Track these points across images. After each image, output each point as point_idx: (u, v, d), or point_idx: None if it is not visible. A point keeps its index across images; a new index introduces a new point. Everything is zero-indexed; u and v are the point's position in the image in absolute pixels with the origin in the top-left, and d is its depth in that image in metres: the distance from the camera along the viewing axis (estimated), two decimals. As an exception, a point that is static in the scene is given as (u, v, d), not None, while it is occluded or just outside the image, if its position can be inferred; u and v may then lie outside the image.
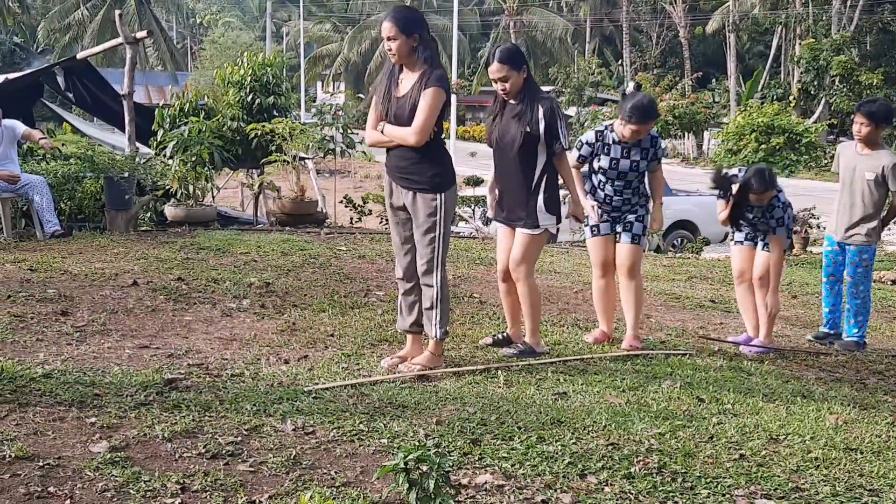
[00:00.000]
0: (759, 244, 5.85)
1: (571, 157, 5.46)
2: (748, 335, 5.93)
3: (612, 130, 5.46)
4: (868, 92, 30.81)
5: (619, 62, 46.44)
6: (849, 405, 4.62)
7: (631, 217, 5.53)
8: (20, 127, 8.57)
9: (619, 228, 5.56)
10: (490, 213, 5.38)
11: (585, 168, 5.59)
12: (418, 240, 4.57)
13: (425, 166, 4.51)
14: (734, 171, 5.79)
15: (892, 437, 4.10)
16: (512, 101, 4.96)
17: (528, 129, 4.87)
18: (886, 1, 37.20)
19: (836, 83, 31.22)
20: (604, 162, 5.44)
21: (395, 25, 4.37)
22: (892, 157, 6.05)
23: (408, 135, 4.41)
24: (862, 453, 3.82)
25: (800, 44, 34.84)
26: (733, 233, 6.01)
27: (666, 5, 43.26)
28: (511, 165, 5.00)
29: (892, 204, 6.21)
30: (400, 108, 4.46)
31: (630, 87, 5.71)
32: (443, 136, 4.67)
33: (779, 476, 3.45)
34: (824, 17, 36.24)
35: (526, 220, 4.98)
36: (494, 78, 4.94)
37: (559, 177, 5.05)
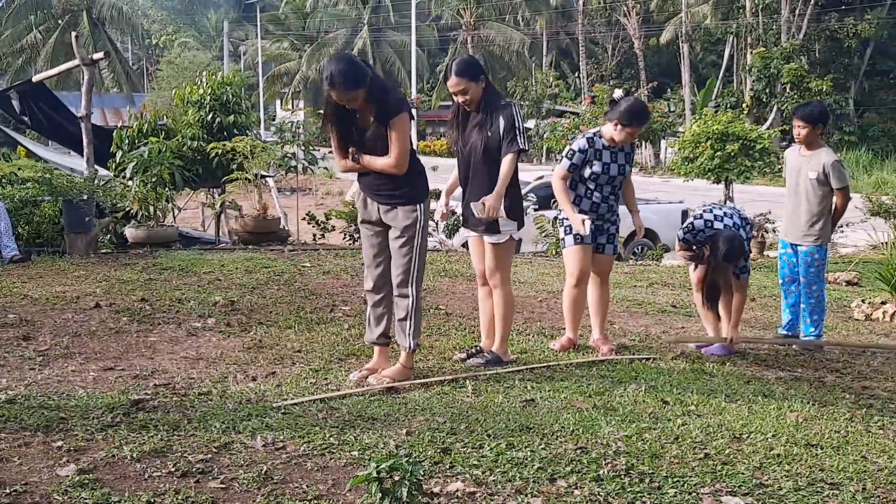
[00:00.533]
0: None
1: (561, 166, 5.53)
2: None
3: (600, 136, 5.53)
4: (818, 98, 31.50)
5: (577, 74, 46.93)
6: (808, 403, 4.72)
7: (613, 228, 5.67)
8: None
9: (602, 240, 5.65)
10: (437, 217, 5.50)
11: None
12: (395, 251, 4.60)
13: (401, 181, 4.55)
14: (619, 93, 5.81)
15: (851, 433, 4.21)
16: (473, 110, 5.02)
17: (489, 135, 4.93)
18: (833, 9, 38.08)
19: (788, 90, 31.89)
20: (596, 168, 5.48)
21: (344, 85, 4.32)
22: (832, 155, 6.22)
23: (389, 167, 4.48)
24: (822, 449, 3.92)
25: (751, 53, 35.54)
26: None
27: (620, 17, 43.88)
28: (475, 172, 5.06)
29: (836, 204, 6.30)
30: (368, 137, 4.49)
31: (618, 93, 5.76)
32: (415, 148, 4.72)
33: (743, 473, 3.53)
34: (774, 27, 36.99)
35: (488, 227, 5.03)
36: (454, 91, 4.99)
37: (507, 179, 4.95)
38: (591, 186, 5.54)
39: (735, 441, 3.95)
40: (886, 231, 9.40)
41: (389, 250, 4.65)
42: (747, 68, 34.87)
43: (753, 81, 33.42)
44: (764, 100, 32.68)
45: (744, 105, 31.91)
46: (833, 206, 6.28)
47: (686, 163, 15.42)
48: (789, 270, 6.45)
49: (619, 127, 5.43)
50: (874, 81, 40.26)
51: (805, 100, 30.37)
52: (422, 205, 4.59)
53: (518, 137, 4.91)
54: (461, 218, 5.35)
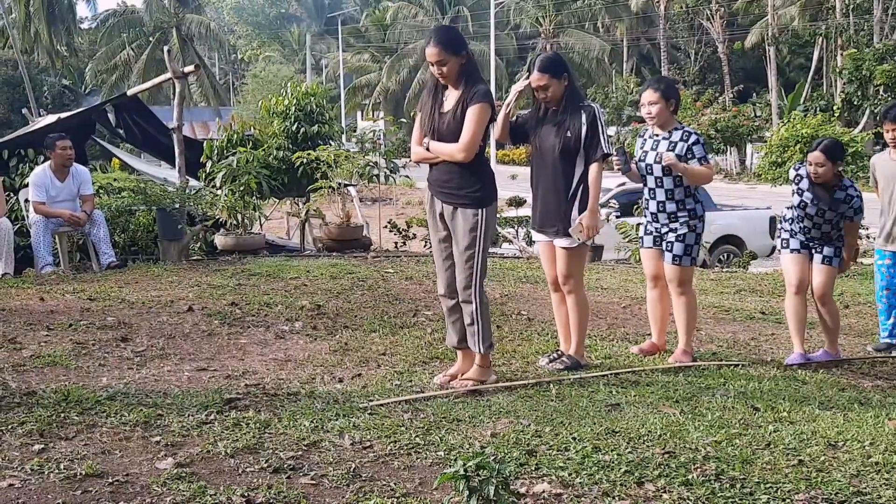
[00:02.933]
0: (817, 256, 5.74)
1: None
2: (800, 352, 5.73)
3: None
4: (914, 100, 30.31)
5: (658, 80, 46.26)
6: (908, 411, 4.55)
7: (670, 234, 5.45)
8: (89, 184, 8.84)
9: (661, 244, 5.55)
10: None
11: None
12: (457, 255, 4.59)
13: (467, 181, 4.53)
14: None
15: (954, 442, 4.03)
16: (553, 108, 4.98)
17: (567, 135, 4.89)
18: (929, 7, 36.64)
19: (881, 92, 30.73)
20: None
21: (442, 49, 4.42)
22: None
23: (455, 151, 4.46)
24: (923, 458, 3.77)
25: (841, 54, 34.42)
26: (786, 242, 5.88)
27: (703, 21, 43.10)
28: (549, 172, 5.02)
29: None
30: (444, 124, 4.52)
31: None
32: (486, 151, 4.70)
33: (839, 481, 3.42)
34: (865, 27, 35.77)
35: (559, 229, 5.00)
36: (535, 86, 4.96)
37: (598, 191, 4.97)
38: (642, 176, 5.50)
39: (830, 448, 3.83)
40: None
41: (452, 253, 4.65)
42: (837, 70, 33.77)
43: (844, 84, 32.35)
44: (856, 102, 31.58)
45: (834, 108, 30.92)
46: None
47: (773, 168, 15.06)
48: (888, 282, 6.20)
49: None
50: (974, 82, 38.49)
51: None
52: (484, 210, 4.53)
53: (602, 142, 4.88)
54: (531, 220, 5.31)
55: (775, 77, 38.79)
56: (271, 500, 3.09)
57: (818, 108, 29.91)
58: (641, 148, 5.47)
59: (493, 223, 4.66)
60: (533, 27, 49.01)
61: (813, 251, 5.76)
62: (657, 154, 5.32)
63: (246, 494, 3.12)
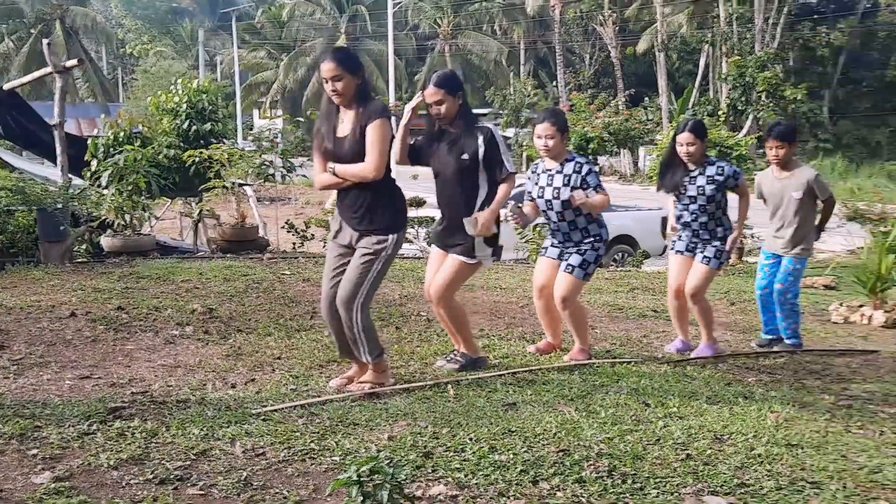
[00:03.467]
0: (698, 255, 5.95)
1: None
2: (682, 341, 6.12)
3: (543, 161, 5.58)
4: (793, 106, 31.82)
5: (554, 83, 47.11)
6: (788, 404, 4.74)
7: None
8: None
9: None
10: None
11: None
12: (351, 268, 4.46)
13: (380, 209, 4.45)
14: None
15: (831, 432, 4.22)
16: (450, 129, 4.96)
17: (464, 157, 4.90)
18: (806, 19, 38.55)
19: (763, 98, 32.14)
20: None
21: (339, 65, 4.33)
22: (811, 170, 6.35)
23: (364, 171, 4.35)
24: (803, 448, 3.93)
25: (726, 61, 35.82)
26: (673, 243, 6.13)
27: (597, 27, 44.12)
28: (450, 193, 5.01)
29: (823, 214, 6.41)
30: (345, 147, 4.40)
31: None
32: (392, 173, 4.57)
33: (724, 473, 3.53)
34: (748, 36, 37.34)
35: (463, 247, 4.98)
36: (430, 101, 4.95)
37: (503, 201, 4.97)
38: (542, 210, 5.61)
39: (716, 442, 3.95)
40: (862, 236, 9.48)
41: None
42: (723, 77, 35.13)
43: (729, 90, 33.68)
44: (740, 108, 32.91)
45: (720, 113, 32.12)
46: (813, 217, 6.35)
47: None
48: (767, 282, 6.45)
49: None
50: (847, 89, 40.77)
51: (783, 108, 30.77)
52: (395, 235, 4.48)
53: (505, 162, 4.92)
54: (432, 234, 5.29)
55: (665, 82, 40.04)
56: (157, 513, 2.97)
57: (705, 113, 30.98)
58: (537, 184, 5.53)
59: (398, 249, 4.54)
60: (431, 28, 49.14)
61: (696, 251, 5.95)
62: (554, 189, 5.39)
63: (130, 508, 2.99)
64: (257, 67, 53.72)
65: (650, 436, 3.96)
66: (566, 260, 5.46)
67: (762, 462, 3.70)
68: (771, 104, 32.06)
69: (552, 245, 5.61)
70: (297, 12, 52.03)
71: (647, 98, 42.71)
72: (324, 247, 11.59)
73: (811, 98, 34.95)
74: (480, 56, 47.93)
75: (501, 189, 4.97)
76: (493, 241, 5.03)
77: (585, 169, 5.37)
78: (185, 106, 11.37)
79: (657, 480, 3.41)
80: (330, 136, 4.47)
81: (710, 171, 5.84)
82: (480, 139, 4.89)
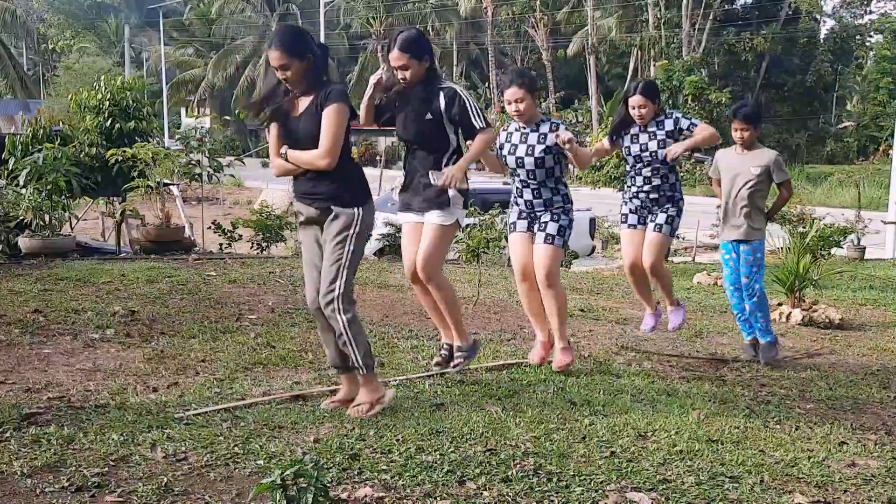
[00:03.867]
0: (650, 225, 5.79)
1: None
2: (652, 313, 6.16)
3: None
4: (717, 110, 32.61)
5: (486, 84, 47.42)
6: (710, 401, 4.86)
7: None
8: None
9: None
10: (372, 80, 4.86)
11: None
12: (325, 257, 4.16)
13: (337, 187, 4.15)
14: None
15: (750, 428, 4.34)
16: (413, 91, 4.71)
17: (427, 117, 4.67)
18: (731, 24, 39.61)
19: (689, 102, 32.90)
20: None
21: (284, 52, 4.04)
22: (773, 152, 6.28)
23: (316, 158, 4.07)
24: (722, 444, 4.03)
25: (654, 65, 36.58)
26: (624, 217, 5.96)
27: (529, 29, 44.56)
28: (419, 154, 4.78)
29: (781, 196, 6.39)
30: (300, 129, 4.13)
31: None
32: (351, 151, 4.35)
33: (647, 470, 3.59)
34: (676, 40, 38.21)
35: (436, 203, 4.70)
36: (395, 66, 4.67)
37: (476, 155, 4.73)
38: (511, 170, 5.39)
39: (640, 439, 4.02)
40: (781, 236, 9.78)
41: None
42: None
43: (656, 93, 34.39)
44: (667, 111, 33.67)
45: (647, 116, 32.77)
46: (763, 203, 6.29)
47: (593, 171, 15.73)
48: (735, 277, 6.30)
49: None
50: (769, 93, 41.99)
51: (708, 111, 31.50)
52: (361, 209, 4.16)
53: (473, 119, 4.65)
54: (400, 203, 4.96)
55: (595, 85, 40.70)
56: (72, 522, 2.88)
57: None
58: (509, 141, 5.30)
59: (368, 225, 4.22)
60: (364, 28, 48.95)
61: (648, 221, 5.80)
62: (528, 147, 5.18)
63: (43, 517, 2.89)
64: (185, 65, 52.75)
65: (575, 434, 4.01)
66: (543, 230, 5.20)
67: (683, 458, 3.78)
68: (697, 107, 32.85)
69: (519, 218, 5.35)
70: (227, 9, 51.28)
71: (577, 100, 43.35)
72: (251, 247, 11.45)
73: (735, 102, 35.87)
74: (413, 56, 47.87)
75: (476, 142, 4.69)
76: (464, 195, 4.76)
77: (562, 128, 5.17)
78: (108, 103, 11.09)
79: (582, 478, 3.45)
80: (283, 117, 4.19)
81: (667, 123, 5.75)
82: (442, 97, 4.65)
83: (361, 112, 4.77)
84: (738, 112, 6.19)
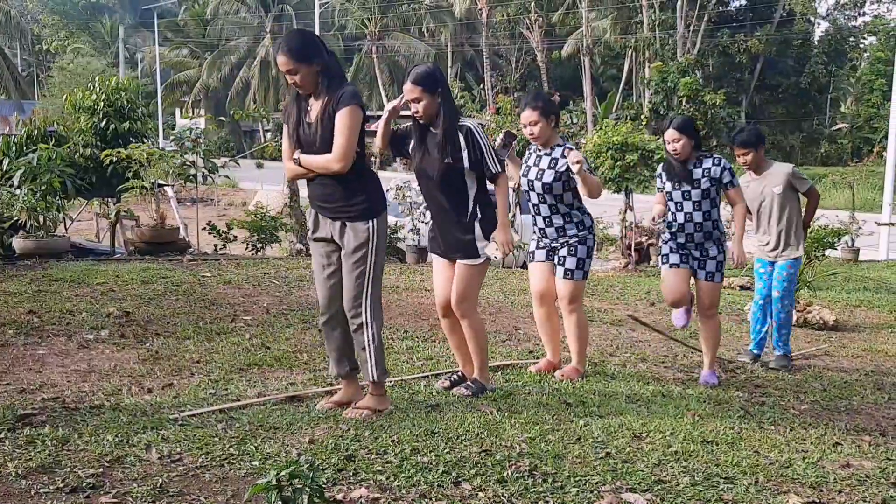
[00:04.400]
0: (700, 272, 5.55)
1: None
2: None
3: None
4: (712, 111, 32.68)
5: (481, 86, 47.45)
6: (704, 402, 4.87)
7: (563, 250, 5.26)
8: None
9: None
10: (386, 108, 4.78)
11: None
12: (346, 273, 4.13)
13: (352, 192, 4.10)
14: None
15: (744, 429, 4.35)
16: (432, 129, 4.61)
17: (448, 161, 4.53)
18: (725, 26, 39.71)
19: (683, 103, 32.95)
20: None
21: (291, 58, 4.00)
22: (787, 165, 6.34)
23: (329, 163, 4.02)
24: (717, 445, 4.03)
25: (649, 67, 36.65)
26: (665, 258, 5.67)
27: (524, 30, 44.60)
28: (438, 197, 4.67)
29: (809, 205, 6.39)
30: (312, 134, 4.08)
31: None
32: (367, 156, 4.30)
33: (642, 471, 3.60)
34: (670, 42, 38.28)
35: (464, 251, 4.66)
36: (408, 98, 4.60)
37: (506, 208, 4.71)
38: (527, 195, 5.36)
39: (635, 440, 4.02)
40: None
41: (339, 272, 4.19)
42: (646, 82, 35.93)
43: (651, 94, 34.44)
44: (662, 112, 33.66)
45: (643, 117, 32.83)
46: (798, 214, 6.30)
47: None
48: (767, 291, 6.36)
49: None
50: (764, 95, 42.13)
51: (702, 113, 31.58)
52: (374, 220, 4.11)
53: (489, 161, 4.59)
54: (430, 242, 4.93)
55: (590, 86, 40.74)
56: (66, 524, 2.87)
57: (628, 117, 31.67)
58: (526, 163, 5.29)
59: (384, 234, 4.20)
60: (359, 29, 48.94)
61: (696, 267, 5.56)
62: (539, 171, 5.18)
63: (38, 518, 2.89)
64: (179, 66, 52.69)
65: (571, 435, 4.01)
66: (561, 265, 5.23)
67: (678, 459, 3.78)
68: (691, 109, 32.92)
69: (538, 247, 5.35)
70: (222, 10, 51.25)
71: (571, 101, 43.40)
72: (246, 248, 11.44)
73: (729, 103, 35.92)
74: (407, 58, 47.91)
75: (500, 194, 4.65)
76: (491, 230, 4.69)
77: (574, 150, 5.09)
78: (102, 104, 11.06)
79: (577, 479, 3.45)
80: (297, 121, 4.16)
81: (702, 167, 5.52)
82: (462, 141, 4.55)
83: (378, 136, 4.71)
84: (735, 139, 6.25)
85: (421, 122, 4.62)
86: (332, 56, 4.17)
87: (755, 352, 6.44)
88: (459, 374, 4.96)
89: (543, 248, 5.34)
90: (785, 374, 5.96)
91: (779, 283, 6.28)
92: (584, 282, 5.30)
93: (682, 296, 5.58)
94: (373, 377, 4.20)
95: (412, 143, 4.70)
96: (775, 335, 6.39)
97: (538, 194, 5.21)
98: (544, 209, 5.24)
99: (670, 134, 5.49)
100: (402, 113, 4.75)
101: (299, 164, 4.14)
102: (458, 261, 4.70)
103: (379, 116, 4.76)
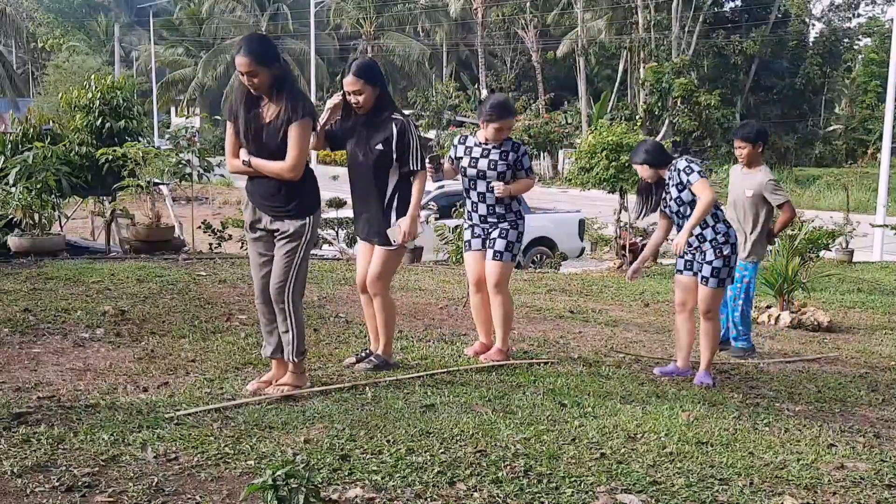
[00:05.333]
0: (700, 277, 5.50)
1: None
2: (676, 365, 5.68)
3: (473, 135, 5.63)
4: (706, 112, 32.75)
5: (476, 85, 47.42)
6: (699, 403, 4.88)
7: (495, 232, 5.53)
8: None
9: (483, 244, 5.60)
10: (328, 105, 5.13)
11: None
12: (277, 259, 4.47)
13: (292, 193, 4.40)
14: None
15: (739, 430, 4.36)
16: (364, 118, 4.96)
17: (378, 147, 4.91)
18: (720, 27, 39.78)
19: (678, 104, 33.04)
20: (464, 161, 5.53)
21: (252, 60, 4.21)
22: (768, 174, 6.45)
23: (284, 171, 4.31)
24: (712, 446, 4.04)
25: (644, 67, 36.69)
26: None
27: (519, 30, 44.63)
28: (363, 183, 5.05)
29: (781, 219, 6.51)
30: (266, 136, 4.33)
31: (483, 93, 5.87)
32: (308, 162, 4.58)
33: (637, 471, 3.61)
34: (665, 42, 38.33)
35: (382, 238, 5.03)
36: (349, 90, 4.92)
37: (419, 201, 5.04)
38: (467, 185, 5.58)
39: (630, 441, 4.03)
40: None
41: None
42: (640, 82, 35.98)
43: (646, 95, 34.51)
44: (656, 112, 33.75)
45: (637, 118, 32.88)
46: (766, 222, 6.42)
47: (582, 173, 15.73)
48: (746, 288, 6.47)
49: (485, 123, 5.47)
50: (758, 96, 42.21)
51: (697, 113, 31.63)
52: (311, 217, 4.46)
53: (411, 158, 4.93)
54: (355, 227, 5.31)
55: (585, 86, 40.77)
56: (62, 523, 2.87)
57: (623, 117, 31.70)
58: (469, 154, 5.53)
59: (316, 230, 4.59)
60: (354, 28, 48.91)
61: (697, 272, 5.53)
62: (490, 161, 5.45)
63: (33, 517, 2.88)
64: (175, 65, 52.58)
65: (566, 435, 4.02)
66: (492, 247, 5.50)
67: (673, 460, 3.79)
68: (686, 109, 32.98)
69: (473, 236, 5.63)
70: (217, 9, 51.17)
71: (566, 102, 43.44)
72: (242, 247, 11.43)
73: (724, 104, 36.05)
74: (403, 57, 47.93)
75: (415, 189, 5.00)
76: (401, 210, 5.02)
77: (522, 150, 5.57)
78: (98, 102, 11.05)
79: (572, 479, 3.46)
80: (246, 121, 4.37)
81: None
82: (394, 130, 4.89)
83: (315, 136, 4.88)
84: (738, 132, 6.49)
85: (359, 112, 4.94)
86: (286, 63, 4.49)
87: (724, 337, 6.53)
88: (367, 351, 5.28)
89: (478, 236, 5.60)
90: (779, 375, 5.97)
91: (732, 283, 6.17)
92: (511, 264, 5.60)
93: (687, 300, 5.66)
94: (291, 358, 4.54)
95: (345, 132, 5.04)
96: (733, 330, 6.54)
97: (488, 183, 5.47)
98: (489, 198, 5.51)
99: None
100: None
101: (248, 166, 4.38)
102: (376, 245, 5.08)
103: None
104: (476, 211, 5.59)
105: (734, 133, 6.53)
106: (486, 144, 5.53)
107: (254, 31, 48.54)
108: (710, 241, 5.45)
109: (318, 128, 4.92)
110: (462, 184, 5.65)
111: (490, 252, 5.52)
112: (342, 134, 5.09)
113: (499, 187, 5.41)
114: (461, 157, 5.57)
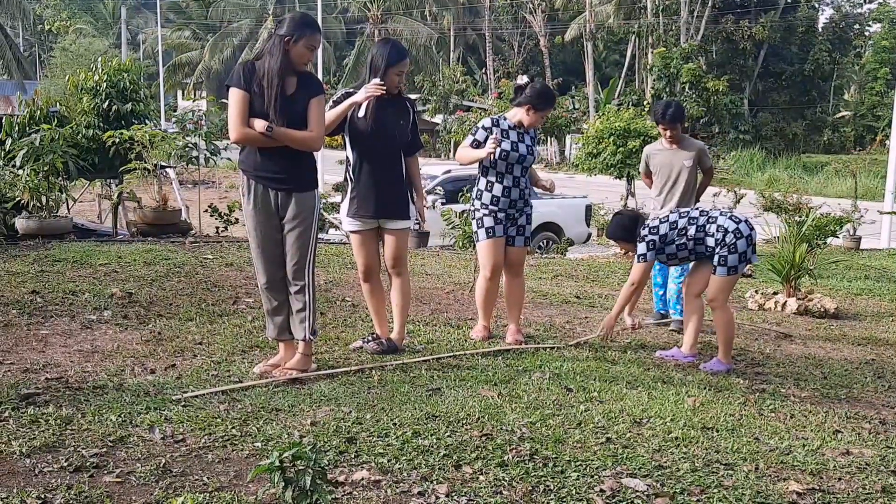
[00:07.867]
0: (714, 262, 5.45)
1: (465, 142, 5.67)
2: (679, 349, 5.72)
3: (505, 119, 5.67)
4: (714, 98, 32.58)
5: (483, 70, 47.30)
6: (705, 388, 4.88)
7: (523, 219, 5.73)
8: None
9: (512, 231, 5.71)
10: (348, 211, 5.14)
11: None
12: (291, 241, 4.49)
13: (304, 167, 4.55)
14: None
15: (745, 416, 4.36)
16: (387, 100, 5.00)
17: (401, 123, 5.07)
18: (729, 12, 39.50)
19: (686, 90, 32.86)
20: (505, 145, 5.53)
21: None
22: (700, 143, 6.87)
23: (312, 140, 4.44)
24: (718, 431, 4.05)
25: (652, 52, 36.51)
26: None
27: (526, 15, 44.41)
28: (391, 163, 5.09)
29: (703, 182, 6.85)
30: (292, 108, 4.39)
31: (523, 78, 5.79)
32: None
33: (643, 456, 3.61)
34: (674, 28, 38.12)
35: (401, 213, 5.14)
36: (401, 72, 4.99)
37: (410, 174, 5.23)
38: (502, 169, 5.56)
39: (635, 426, 4.04)
40: (778, 226, 9.79)
41: (282, 240, 4.52)
42: (648, 67, 35.80)
43: (654, 80, 34.34)
44: (664, 98, 33.59)
45: (645, 103, 32.76)
46: (694, 188, 6.73)
47: (590, 158, 15.71)
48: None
49: (531, 110, 5.54)
50: (767, 82, 41.94)
51: (705, 99, 31.45)
52: (316, 192, 4.59)
53: (418, 137, 5.26)
54: (365, 208, 5.11)
55: (592, 71, 40.59)
56: (70, 502, 2.89)
57: (631, 103, 31.55)
58: (508, 138, 5.56)
59: (320, 205, 4.73)
60: (361, 12, 48.72)
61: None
62: (527, 146, 5.61)
63: (42, 496, 2.90)
64: (182, 47, 52.52)
65: (571, 420, 4.03)
66: (522, 234, 5.72)
67: (679, 445, 3.80)
68: (694, 95, 32.82)
69: (496, 222, 5.62)
70: (224, -8, 50.96)
71: (574, 87, 43.25)
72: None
73: (732, 90, 35.88)
74: (410, 41, 47.67)
75: (416, 168, 5.24)
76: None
77: (535, 138, 5.83)
78: (105, 85, 11.03)
79: (577, 464, 3.47)
80: (276, 93, 4.35)
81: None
82: (410, 108, 5.17)
83: (334, 118, 4.95)
84: (667, 114, 6.55)
85: (391, 93, 4.98)
86: None
87: (661, 311, 6.87)
88: (374, 335, 5.28)
89: (501, 223, 5.65)
90: (785, 361, 5.96)
91: None
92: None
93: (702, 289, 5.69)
94: (306, 335, 4.57)
95: (365, 113, 4.98)
96: (674, 302, 6.66)
97: (524, 168, 5.62)
98: (523, 182, 5.65)
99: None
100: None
101: (270, 135, 4.34)
102: (390, 223, 5.11)
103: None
104: (507, 196, 5.59)
105: (661, 116, 6.61)
106: (520, 129, 5.63)
107: (261, 15, 48.41)
108: (716, 240, 5.44)
109: (338, 112, 4.97)
110: (492, 168, 5.55)
111: (521, 239, 5.73)
112: (359, 119, 5.00)
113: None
114: (502, 141, 5.50)
